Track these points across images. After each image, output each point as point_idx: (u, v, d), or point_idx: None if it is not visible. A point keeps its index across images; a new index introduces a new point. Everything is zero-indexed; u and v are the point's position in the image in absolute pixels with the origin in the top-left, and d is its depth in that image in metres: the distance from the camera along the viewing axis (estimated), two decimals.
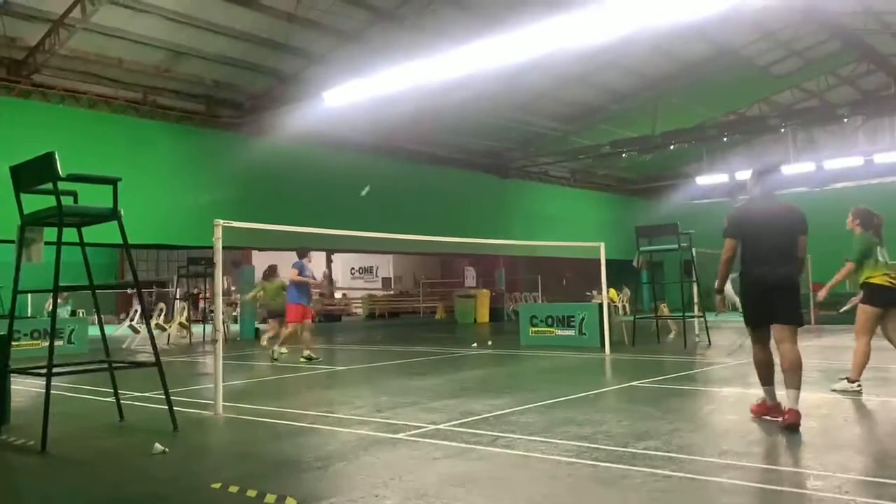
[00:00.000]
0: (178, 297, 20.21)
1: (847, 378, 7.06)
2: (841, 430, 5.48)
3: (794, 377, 5.41)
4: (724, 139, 23.13)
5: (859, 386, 6.96)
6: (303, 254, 11.82)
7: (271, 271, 13.89)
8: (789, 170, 25.38)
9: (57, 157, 5.35)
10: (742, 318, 5.86)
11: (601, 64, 19.05)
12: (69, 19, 13.14)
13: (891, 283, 6.92)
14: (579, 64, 17.92)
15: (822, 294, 7.69)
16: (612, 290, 21.34)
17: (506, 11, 14.34)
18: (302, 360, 11.56)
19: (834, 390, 7.06)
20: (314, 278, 12.07)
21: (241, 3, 14.15)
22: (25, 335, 13.63)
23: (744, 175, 25.88)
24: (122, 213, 5.83)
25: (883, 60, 21.32)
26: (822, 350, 11.62)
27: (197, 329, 18.60)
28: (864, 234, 7.13)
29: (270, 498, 3.93)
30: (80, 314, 22.20)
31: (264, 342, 13.15)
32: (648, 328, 15.02)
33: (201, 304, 21.96)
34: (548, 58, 14.69)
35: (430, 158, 22.47)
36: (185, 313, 18.67)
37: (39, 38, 13.87)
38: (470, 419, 6.08)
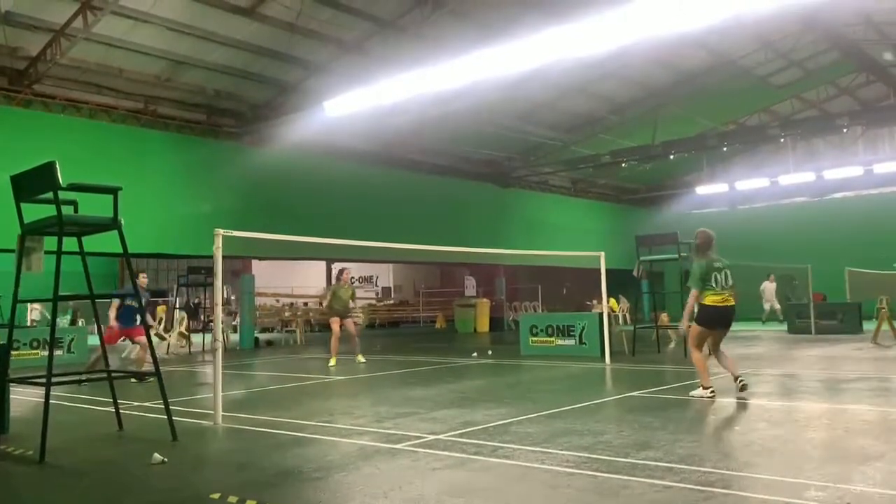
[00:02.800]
0: (177, 306, 20.22)
1: (701, 385, 7.65)
2: (841, 441, 5.46)
3: None
4: (724, 149, 23.16)
5: (713, 392, 7.56)
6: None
7: (341, 275, 13.91)
8: (789, 180, 25.50)
9: (57, 166, 5.36)
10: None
11: (601, 74, 19.13)
12: (70, 29, 13.18)
13: (714, 304, 7.52)
14: (579, 74, 17.97)
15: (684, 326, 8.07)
16: (612, 300, 21.35)
17: (506, 22, 14.40)
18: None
19: (692, 396, 7.65)
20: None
21: (243, 13, 14.20)
22: (25, 344, 13.62)
23: (744, 185, 26.09)
24: (123, 221, 5.84)
25: (882, 71, 21.39)
26: (821, 360, 11.58)
27: (196, 338, 18.56)
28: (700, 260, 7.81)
29: None
30: (80, 323, 22.16)
31: (361, 358, 13.30)
32: (648, 338, 15.00)
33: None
34: (548, 68, 14.72)
35: (431, 168, 22.50)
36: (185, 323, 18.66)
37: (41, 48, 13.91)
38: (470, 429, 6.07)
